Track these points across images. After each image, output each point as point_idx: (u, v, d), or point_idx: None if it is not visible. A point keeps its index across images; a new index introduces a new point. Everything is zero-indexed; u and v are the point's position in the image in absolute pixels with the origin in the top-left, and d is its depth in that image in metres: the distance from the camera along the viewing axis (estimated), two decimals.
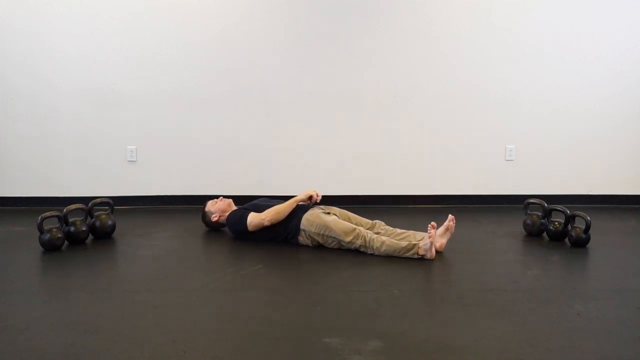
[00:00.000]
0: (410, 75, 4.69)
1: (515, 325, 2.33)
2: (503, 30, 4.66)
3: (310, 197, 3.60)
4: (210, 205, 3.82)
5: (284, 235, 3.54)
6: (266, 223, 3.49)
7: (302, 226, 3.45)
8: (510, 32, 4.66)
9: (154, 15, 4.55)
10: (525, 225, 3.81)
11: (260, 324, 2.35)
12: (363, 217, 3.62)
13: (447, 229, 3.31)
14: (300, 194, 3.61)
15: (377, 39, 4.64)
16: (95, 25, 4.54)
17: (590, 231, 3.47)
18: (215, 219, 3.77)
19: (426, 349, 2.13)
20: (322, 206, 3.59)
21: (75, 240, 3.53)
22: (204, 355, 2.06)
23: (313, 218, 3.44)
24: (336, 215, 3.54)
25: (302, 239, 3.49)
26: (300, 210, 3.52)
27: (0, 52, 4.55)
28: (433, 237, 3.18)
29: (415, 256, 3.20)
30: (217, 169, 4.76)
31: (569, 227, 3.58)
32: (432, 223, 3.21)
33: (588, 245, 3.50)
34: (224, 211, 3.78)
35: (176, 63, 4.62)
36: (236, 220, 3.60)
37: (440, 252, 3.30)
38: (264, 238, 3.58)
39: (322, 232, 3.40)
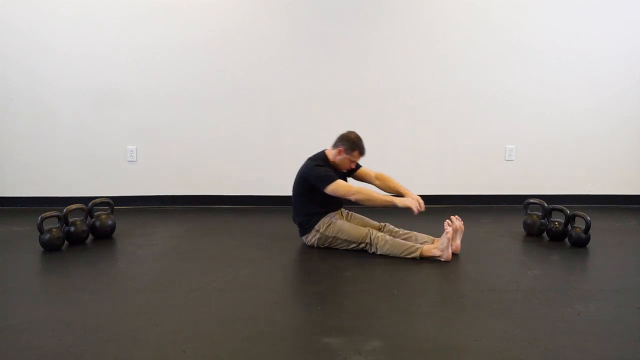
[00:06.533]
0: (411, 76, 4.69)
1: (515, 325, 2.33)
2: (503, 30, 4.66)
3: (410, 209, 3.27)
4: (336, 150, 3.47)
5: (305, 224, 3.45)
6: (352, 198, 3.27)
7: (317, 226, 3.43)
8: (510, 33, 4.66)
9: (154, 15, 4.55)
10: (525, 225, 3.81)
11: (260, 324, 2.35)
12: (364, 217, 3.64)
13: (455, 230, 3.28)
14: (401, 199, 3.32)
15: (377, 39, 4.64)
16: (95, 25, 4.53)
17: (590, 231, 3.47)
18: (339, 154, 3.44)
19: (426, 349, 2.13)
20: (342, 208, 3.58)
21: (75, 240, 3.53)
22: (204, 355, 2.06)
23: (330, 221, 3.42)
24: (342, 217, 3.54)
25: (309, 237, 3.48)
26: (323, 213, 3.45)
27: (0, 52, 4.55)
28: (450, 234, 3.16)
29: (417, 258, 3.20)
30: (217, 169, 4.76)
31: (569, 227, 3.58)
32: (448, 221, 3.21)
33: (588, 245, 3.50)
34: (338, 164, 3.48)
35: (176, 63, 4.61)
36: (323, 175, 3.33)
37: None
38: (303, 202, 3.44)
39: (334, 235, 3.39)
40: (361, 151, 3.45)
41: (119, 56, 4.58)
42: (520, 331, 2.27)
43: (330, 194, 3.32)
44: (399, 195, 3.46)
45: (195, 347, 2.12)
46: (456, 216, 3.31)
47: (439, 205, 4.77)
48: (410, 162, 4.77)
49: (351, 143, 3.42)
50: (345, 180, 3.55)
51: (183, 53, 4.60)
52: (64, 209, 3.49)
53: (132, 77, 4.61)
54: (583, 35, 4.67)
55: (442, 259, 3.18)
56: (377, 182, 3.60)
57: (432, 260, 3.19)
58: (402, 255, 3.23)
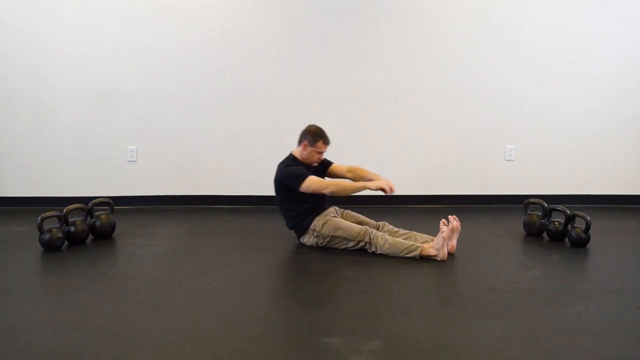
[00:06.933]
0: (411, 76, 4.69)
1: (515, 325, 2.33)
2: (503, 30, 4.66)
3: (383, 190, 3.33)
4: (302, 147, 3.49)
5: (299, 226, 3.48)
6: (326, 192, 3.34)
7: (312, 226, 3.43)
8: (510, 33, 4.66)
9: (154, 15, 4.55)
10: (525, 225, 3.81)
11: (260, 324, 2.35)
12: (362, 216, 3.63)
13: (452, 230, 3.27)
14: (372, 182, 3.39)
15: (377, 39, 4.64)
16: (95, 25, 4.53)
17: (590, 231, 3.47)
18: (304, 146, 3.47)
19: (426, 349, 2.13)
20: (336, 207, 3.60)
21: (75, 240, 3.53)
22: (204, 355, 2.06)
23: (325, 219, 3.42)
24: (337, 216, 3.54)
25: (307, 238, 3.48)
26: (314, 211, 3.47)
27: (0, 52, 4.55)
28: (446, 234, 3.16)
29: (417, 257, 3.20)
30: (217, 169, 4.76)
31: (569, 227, 3.58)
32: (443, 220, 3.20)
33: (588, 245, 3.50)
34: (307, 159, 3.50)
35: (176, 63, 4.61)
36: (295, 173, 3.39)
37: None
38: (288, 207, 3.48)
39: (332, 234, 3.39)
40: (324, 140, 3.49)
41: (119, 56, 4.58)
42: (520, 331, 2.27)
43: (305, 191, 3.36)
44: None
45: (195, 347, 2.12)
46: (453, 216, 3.31)
47: (439, 205, 4.77)
48: (410, 162, 4.77)
49: (313, 135, 3.47)
50: (322, 177, 3.57)
51: (183, 53, 4.60)
52: (64, 209, 3.48)
53: (132, 77, 4.61)
54: (583, 35, 4.67)
55: (437, 259, 3.17)
56: (349, 175, 3.63)
57: (431, 260, 3.19)
58: (402, 254, 3.23)
